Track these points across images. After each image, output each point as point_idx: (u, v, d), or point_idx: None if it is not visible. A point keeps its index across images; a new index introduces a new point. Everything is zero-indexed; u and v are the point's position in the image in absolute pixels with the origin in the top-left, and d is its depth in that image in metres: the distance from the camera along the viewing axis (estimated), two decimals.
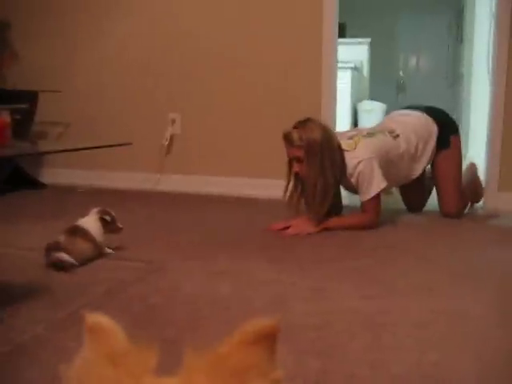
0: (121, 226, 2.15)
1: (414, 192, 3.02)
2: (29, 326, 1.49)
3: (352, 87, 6.49)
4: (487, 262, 2.11)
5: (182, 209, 3.23)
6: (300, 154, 2.47)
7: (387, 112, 7.02)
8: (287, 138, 2.50)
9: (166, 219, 2.94)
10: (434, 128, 2.80)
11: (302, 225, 2.55)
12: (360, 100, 6.91)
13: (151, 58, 3.77)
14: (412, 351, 1.34)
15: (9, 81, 3.95)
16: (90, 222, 2.07)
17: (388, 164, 2.64)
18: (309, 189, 2.51)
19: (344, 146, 2.59)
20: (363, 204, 2.64)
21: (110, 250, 2.14)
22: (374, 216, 2.63)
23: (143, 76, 3.81)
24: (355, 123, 6.74)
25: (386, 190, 2.67)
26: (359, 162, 2.54)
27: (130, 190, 3.74)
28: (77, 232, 2.01)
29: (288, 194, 2.62)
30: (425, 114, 2.85)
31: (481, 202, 3.16)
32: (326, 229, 2.56)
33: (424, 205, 3.08)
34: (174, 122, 3.74)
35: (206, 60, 3.63)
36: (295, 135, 2.47)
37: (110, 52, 3.88)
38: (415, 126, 2.79)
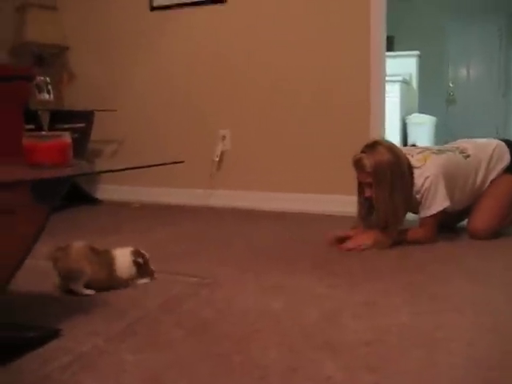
0: (154, 268, 2.06)
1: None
2: (87, 338, 1.54)
3: (401, 100, 6.46)
4: None
5: (233, 224, 3.27)
6: (371, 179, 2.47)
7: (437, 125, 6.94)
8: (358, 164, 2.48)
9: (217, 234, 2.99)
10: (507, 156, 2.72)
11: (359, 239, 2.53)
12: (409, 113, 6.85)
13: (201, 76, 3.85)
14: (466, 369, 1.31)
15: (66, 101, 4.11)
16: (122, 255, 2.00)
17: (454, 183, 2.60)
18: (380, 216, 2.49)
19: (414, 161, 2.56)
20: (421, 220, 2.62)
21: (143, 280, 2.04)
22: (431, 233, 2.60)
23: (194, 94, 3.89)
24: (405, 136, 6.68)
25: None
26: (426, 178, 2.51)
27: (181, 206, 3.81)
28: (100, 254, 1.96)
29: (359, 217, 2.62)
30: (500, 142, 2.79)
31: None
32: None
33: (454, 225, 2.91)
34: (224, 138, 3.80)
35: (255, 76, 3.69)
36: (366, 161, 2.44)
37: (161, 71, 3.98)
38: (488, 149, 2.72)
